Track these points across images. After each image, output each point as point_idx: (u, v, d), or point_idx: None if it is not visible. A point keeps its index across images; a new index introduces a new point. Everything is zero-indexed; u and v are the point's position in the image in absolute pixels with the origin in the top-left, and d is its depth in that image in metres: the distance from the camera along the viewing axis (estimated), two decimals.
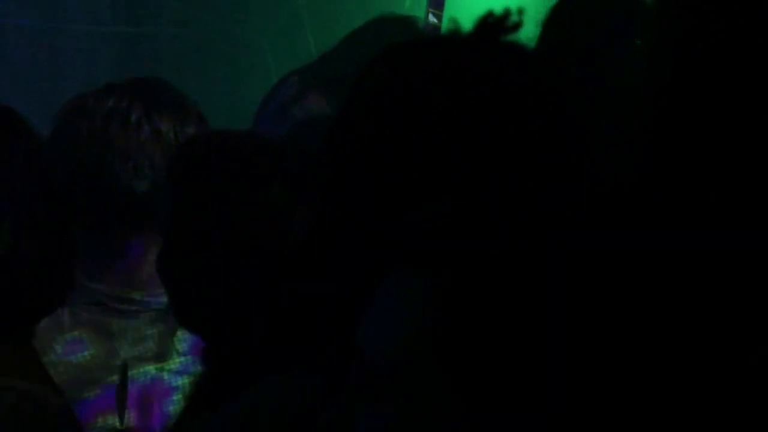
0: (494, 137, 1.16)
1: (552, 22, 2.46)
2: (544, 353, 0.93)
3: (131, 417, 2.41)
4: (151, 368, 2.43)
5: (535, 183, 1.15)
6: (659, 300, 0.95)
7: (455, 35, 1.24)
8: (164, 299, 2.34)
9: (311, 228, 1.27)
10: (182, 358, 2.45)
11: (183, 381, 2.43)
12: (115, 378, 2.42)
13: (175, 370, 2.44)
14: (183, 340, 2.45)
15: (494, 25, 1.22)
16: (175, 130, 2.22)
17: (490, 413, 0.94)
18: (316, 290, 1.28)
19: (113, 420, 2.38)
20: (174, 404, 2.41)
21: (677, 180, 1.14)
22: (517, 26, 1.24)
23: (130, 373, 2.41)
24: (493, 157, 1.17)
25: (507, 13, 1.23)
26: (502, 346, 0.94)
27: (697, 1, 1.17)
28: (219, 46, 6.58)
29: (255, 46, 6.50)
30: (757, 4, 1.13)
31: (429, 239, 0.98)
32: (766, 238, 1.06)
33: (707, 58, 1.14)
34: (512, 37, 1.23)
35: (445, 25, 3.80)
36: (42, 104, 6.02)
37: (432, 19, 3.89)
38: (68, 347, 2.42)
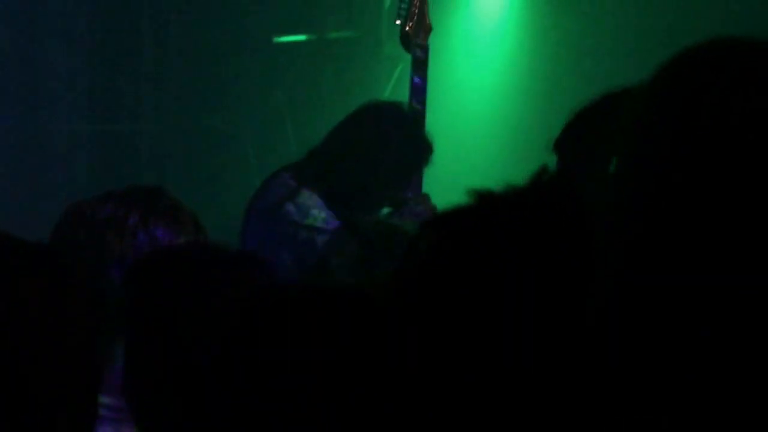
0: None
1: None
2: None
3: None
4: None
5: None
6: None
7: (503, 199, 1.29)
8: None
9: None
10: None
11: None
12: None
13: None
14: None
15: (544, 187, 1.29)
16: (170, 238, 2.23)
17: None
18: None
19: None
20: None
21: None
22: (569, 188, 1.31)
23: None
24: None
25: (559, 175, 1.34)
26: None
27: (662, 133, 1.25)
28: (199, 142, 6.61)
29: (236, 141, 6.53)
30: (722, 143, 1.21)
31: None
32: None
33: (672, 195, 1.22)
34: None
35: (428, 114, 3.83)
36: (25, 201, 6.06)
37: (416, 104, 3.81)
38: None
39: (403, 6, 3.97)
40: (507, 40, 6.76)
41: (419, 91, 3.89)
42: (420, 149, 3.58)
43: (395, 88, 6.53)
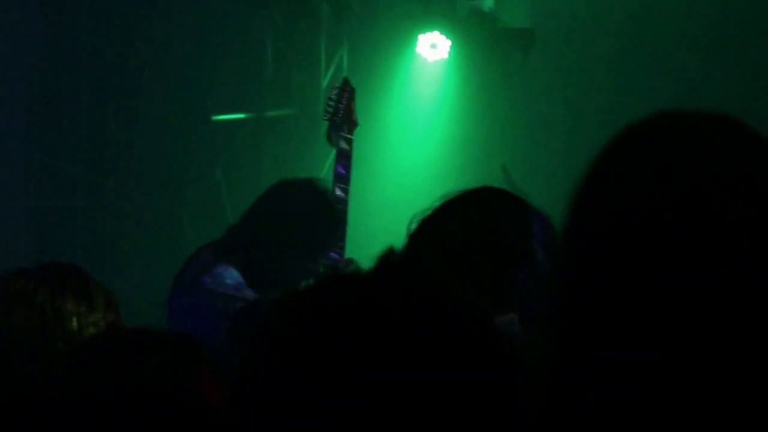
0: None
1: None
2: None
3: None
4: None
5: None
6: None
7: (362, 273, 1.24)
8: None
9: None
10: None
11: None
12: None
13: None
14: None
15: (394, 265, 1.24)
16: (78, 316, 2.22)
17: None
18: None
19: None
20: None
21: None
22: (418, 266, 1.26)
23: None
24: None
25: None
26: None
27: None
28: (136, 218, 6.57)
29: (173, 218, 6.51)
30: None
31: None
32: None
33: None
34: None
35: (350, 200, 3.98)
36: None
37: (338, 193, 3.99)
38: None
39: (330, 103, 4.16)
40: (442, 122, 6.82)
41: (343, 179, 4.07)
42: (332, 221, 3.70)
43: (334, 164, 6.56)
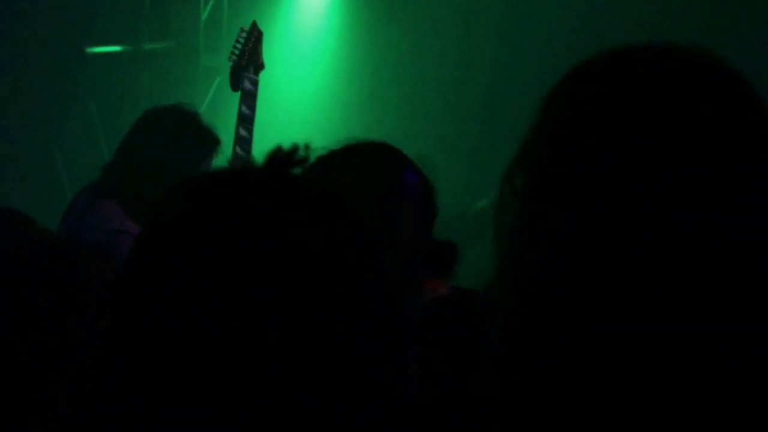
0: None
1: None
2: None
3: None
4: None
5: None
6: None
7: (248, 169, 1.26)
8: None
9: None
10: None
11: None
12: None
13: None
14: None
15: (283, 159, 1.26)
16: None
17: None
18: None
19: None
20: None
21: None
22: (305, 161, 1.26)
23: None
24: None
25: (295, 148, 1.26)
26: None
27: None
28: (8, 153, 6.40)
29: (47, 154, 6.35)
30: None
31: None
32: None
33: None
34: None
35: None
36: None
37: (243, 133, 4.09)
38: None
39: (237, 46, 4.23)
40: (327, 48, 6.77)
41: (248, 119, 4.16)
42: (207, 142, 3.75)
43: (213, 100, 6.45)
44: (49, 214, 3.87)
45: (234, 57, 4.20)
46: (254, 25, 4.33)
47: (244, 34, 4.26)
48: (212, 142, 3.77)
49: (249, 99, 4.18)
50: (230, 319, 1.14)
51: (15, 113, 6.36)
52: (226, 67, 4.34)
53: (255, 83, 4.21)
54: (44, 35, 6.38)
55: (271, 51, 6.55)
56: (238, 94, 4.20)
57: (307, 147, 1.27)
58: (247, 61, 4.23)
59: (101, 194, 3.65)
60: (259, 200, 1.21)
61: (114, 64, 6.50)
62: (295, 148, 1.26)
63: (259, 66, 4.26)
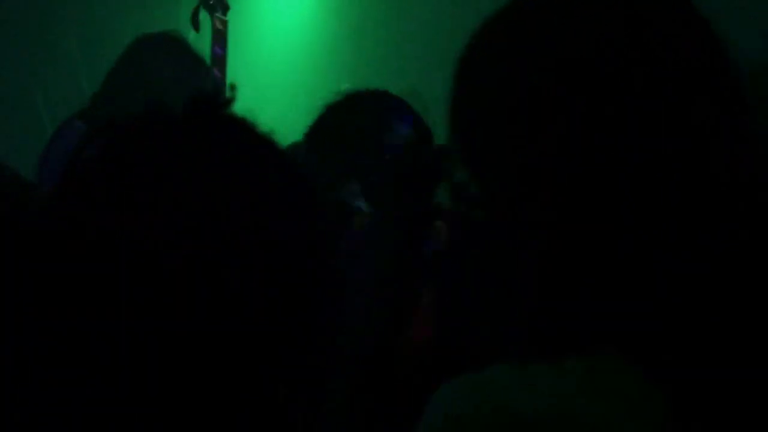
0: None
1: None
2: None
3: None
4: None
5: None
6: None
7: (169, 115, 1.25)
8: None
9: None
10: None
11: None
12: None
13: None
14: None
15: (206, 101, 1.24)
16: None
17: None
18: None
19: None
20: None
21: None
22: (230, 102, 1.26)
23: None
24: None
25: (218, 90, 1.26)
26: None
27: None
28: None
29: (24, 91, 6.19)
30: None
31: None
32: None
33: None
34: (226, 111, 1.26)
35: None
36: None
37: (217, 73, 4.06)
38: None
39: None
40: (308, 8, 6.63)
41: (220, 61, 4.15)
42: (200, 69, 3.71)
43: (198, 34, 6.33)
44: (30, 152, 3.86)
45: None
46: None
47: None
48: (205, 71, 3.71)
49: (220, 39, 4.15)
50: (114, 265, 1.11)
51: None
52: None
53: (224, 24, 4.15)
54: None
55: (255, 10, 6.47)
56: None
57: (232, 87, 1.26)
58: (215, 0, 4.19)
59: (95, 124, 3.56)
60: (171, 146, 1.18)
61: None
62: (217, 90, 1.24)
63: (226, 6, 4.20)
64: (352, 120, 2.42)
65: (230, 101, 1.24)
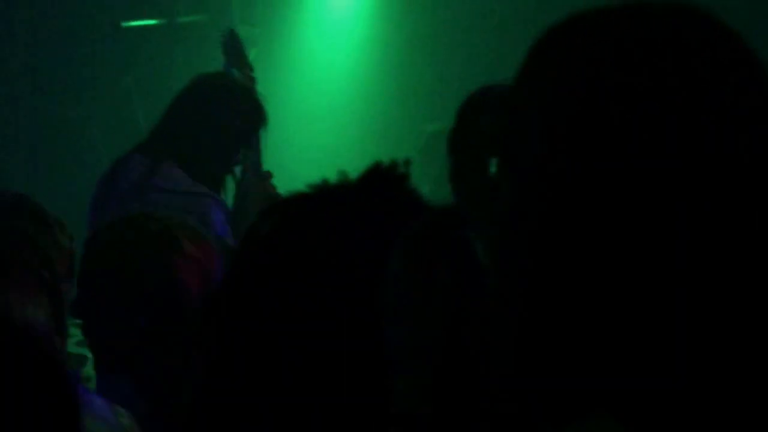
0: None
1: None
2: None
3: None
4: None
5: None
6: None
7: (344, 188, 1.23)
8: None
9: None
10: None
11: None
12: None
13: None
14: None
15: (383, 176, 1.22)
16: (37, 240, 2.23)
17: None
18: None
19: None
20: None
21: None
22: (406, 178, 1.22)
23: None
24: None
25: (394, 164, 1.22)
26: None
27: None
28: (45, 130, 6.42)
29: (84, 128, 6.35)
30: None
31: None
32: None
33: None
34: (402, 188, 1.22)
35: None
36: None
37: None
38: None
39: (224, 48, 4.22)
40: (360, 29, 6.71)
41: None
42: (256, 110, 3.79)
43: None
44: (90, 186, 3.91)
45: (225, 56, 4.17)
46: (231, 33, 4.29)
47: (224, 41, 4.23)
48: (259, 106, 3.78)
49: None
50: (313, 341, 1.15)
51: (53, 90, 6.38)
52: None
53: (252, 79, 4.14)
54: (78, 10, 6.39)
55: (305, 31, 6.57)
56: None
57: (407, 163, 1.22)
58: (239, 64, 4.19)
59: (159, 158, 3.63)
60: (355, 222, 1.18)
61: (149, 37, 6.50)
62: (393, 165, 1.21)
63: (249, 68, 4.21)
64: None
65: (406, 176, 1.22)
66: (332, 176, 1.25)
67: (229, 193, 3.86)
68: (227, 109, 3.67)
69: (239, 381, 1.17)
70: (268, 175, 3.84)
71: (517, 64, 1.05)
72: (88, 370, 2.60)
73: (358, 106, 6.51)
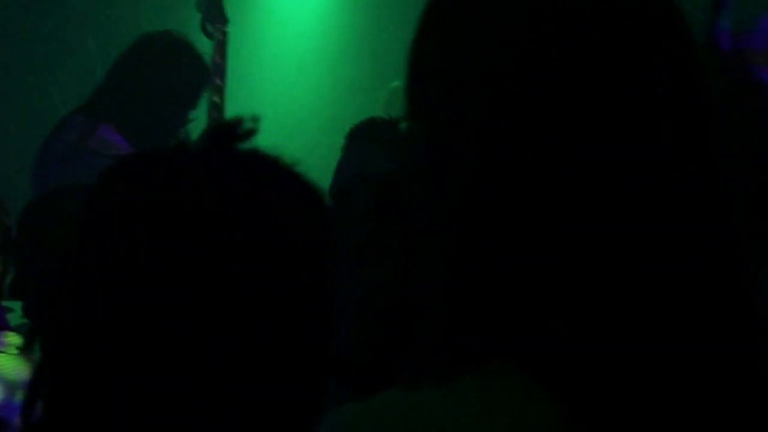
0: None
1: None
2: None
3: None
4: None
5: None
6: None
7: (185, 147, 1.24)
8: None
9: None
10: None
11: None
12: None
13: None
14: None
15: (226, 133, 1.23)
16: None
17: None
18: None
19: None
20: None
21: None
22: (252, 133, 1.23)
23: None
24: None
25: (239, 121, 1.23)
26: None
27: None
28: (3, 94, 6.29)
29: (43, 92, 6.22)
30: None
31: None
32: None
33: None
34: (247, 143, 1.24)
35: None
36: None
37: (218, 81, 4.12)
38: None
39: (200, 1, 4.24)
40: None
41: (219, 69, 4.18)
42: (202, 70, 3.79)
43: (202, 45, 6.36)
44: None
45: (201, 10, 4.19)
46: None
47: None
48: (205, 70, 3.79)
49: (221, 49, 4.19)
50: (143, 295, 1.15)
51: (10, 54, 6.24)
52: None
53: (225, 34, 4.18)
54: None
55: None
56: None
57: (254, 119, 1.23)
58: (214, 12, 4.21)
59: (97, 119, 3.64)
60: (192, 180, 1.18)
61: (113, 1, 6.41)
62: (238, 121, 1.22)
63: (225, 19, 4.22)
64: None
65: (252, 133, 1.22)
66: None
67: None
68: (166, 70, 3.65)
69: (100, 335, 1.18)
70: None
71: None
72: None
73: (330, 65, 6.46)
